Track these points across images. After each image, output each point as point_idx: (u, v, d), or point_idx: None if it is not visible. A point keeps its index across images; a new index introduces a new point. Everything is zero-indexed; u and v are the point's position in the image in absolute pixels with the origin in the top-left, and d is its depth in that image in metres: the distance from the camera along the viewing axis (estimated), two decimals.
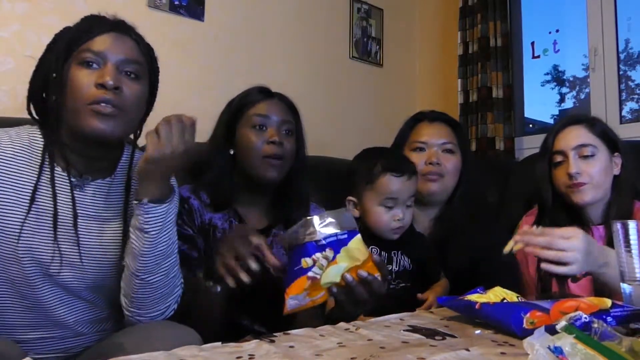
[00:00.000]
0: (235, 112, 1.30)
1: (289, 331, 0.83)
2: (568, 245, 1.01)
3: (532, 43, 2.58)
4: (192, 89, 2.05)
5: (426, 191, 1.54)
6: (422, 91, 2.93)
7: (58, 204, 0.95)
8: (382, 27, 2.78)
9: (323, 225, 0.95)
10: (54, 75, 0.94)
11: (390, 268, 1.31)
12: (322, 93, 2.50)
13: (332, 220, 0.96)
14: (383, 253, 1.32)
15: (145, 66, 1.01)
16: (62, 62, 0.95)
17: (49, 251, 0.94)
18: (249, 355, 0.68)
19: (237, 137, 1.28)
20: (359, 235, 0.98)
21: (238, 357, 0.68)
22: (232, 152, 1.29)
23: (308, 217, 0.96)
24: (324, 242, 0.94)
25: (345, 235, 0.96)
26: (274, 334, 0.81)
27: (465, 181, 1.60)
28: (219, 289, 1.03)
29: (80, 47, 0.95)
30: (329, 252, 0.93)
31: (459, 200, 1.59)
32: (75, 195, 0.97)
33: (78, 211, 0.97)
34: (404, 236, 1.35)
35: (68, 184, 0.97)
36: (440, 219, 1.60)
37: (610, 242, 1.10)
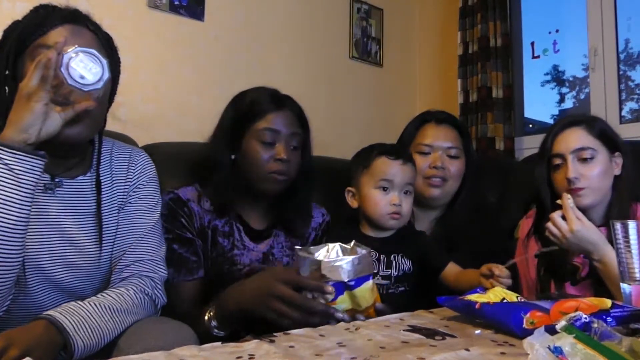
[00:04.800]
0: (243, 118, 1.26)
1: (289, 331, 0.83)
2: (563, 226, 1.19)
3: (532, 43, 2.58)
4: (192, 89, 2.05)
5: (428, 195, 1.54)
6: (422, 91, 2.93)
7: (45, 204, 0.94)
8: (382, 27, 2.78)
9: (333, 267, 0.91)
10: (7, 73, 0.90)
11: (389, 273, 1.30)
12: (322, 93, 2.50)
13: (347, 267, 0.92)
14: (382, 257, 1.30)
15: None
16: (14, 59, 0.90)
17: (46, 254, 0.94)
18: (249, 355, 0.68)
19: (243, 146, 1.24)
20: (370, 282, 0.95)
21: (238, 357, 0.67)
22: (233, 157, 1.27)
23: (320, 260, 0.92)
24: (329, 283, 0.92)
25: (353, 282, 0.93)
26: (274, 334, 0.81)
27: (468, 185, 1.59)
28: (221, 334, 1.02)
29: (34, 43, 0.90)
30: (329, 290, 0.91)
31: (461, 204, 1.58)
32: (50, 196, 0.95)
33: (62, 210, 0.96)
34: (404, 235, 1.34)
35: (41, 185, 0.94)
36: (441, 220, 1.60)
37: (611, 243, 1.10)
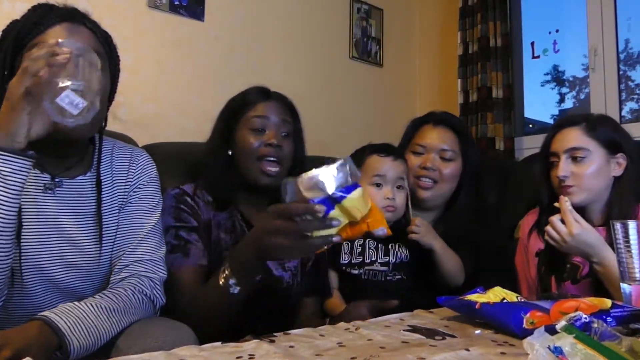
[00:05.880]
0: (234, 113, 1.29)
1: (289, 331, 0.83)
2: (562, 230, 1.19)
3: (532, 43, 2.58)
4: (192, 89, 2.05)
5: (419, 197, 1.54)
6: (422, 91, 2.93)
7: (45, 204, 0.94)
8: (382, 27, 2.78)
9: (312, 183, 0.84)
10: (6, 73, 0.90)
11: (387, 260, 1.35)
12: (322, 93, 2.50)
13: (326, 180, 0.84)
14: (380, 245, 1.36)
15: (104, 57, 0.96)
16: (12, 58, 0.90)
17: (45, 254, 0.94)
18: (249, 355, 0.68)
19: (235, 138, 1.26)
20: (359, 190, 0.87)
21: (238, 357, 0.68)
22: (230, 153, 1.27)
23: (289, 180, 0.87)
24: (312, 202, 0.85)
25: (339, 194, 0.85)
26: (274, 334, 0.81)
27: (465, 187, 1.58)
28: (237, 290, 0.96)
29: (32, 42, 0.89)
30: (318, 208, 0.84)
31: (460, 205, 1.58)
32: (50, 196, 0.95)
33: (61, 210, 0.95)
34: (402, 226, 1.39)
35: (41, 185, 0.94)
36: (441, 221, 1.60)
37: (610, 244, 1.10)
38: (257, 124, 1.24)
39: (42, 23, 0.90)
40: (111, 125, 1.08)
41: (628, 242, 0.88)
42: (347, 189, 0.86)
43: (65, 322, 0.81)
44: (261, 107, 1.27)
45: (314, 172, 0.85)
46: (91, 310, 0.87)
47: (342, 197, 0.85)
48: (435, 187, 1.54)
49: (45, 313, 0.82)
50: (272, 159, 1.22)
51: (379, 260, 1.35)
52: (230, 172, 1.27)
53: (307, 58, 2.45)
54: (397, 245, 1.38)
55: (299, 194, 0.85)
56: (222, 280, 0.97)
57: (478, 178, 1.65)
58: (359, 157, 1.40)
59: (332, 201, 0.85)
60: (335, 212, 0.85)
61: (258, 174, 1.23)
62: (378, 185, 1.36)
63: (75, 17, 0.94)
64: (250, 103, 1.28)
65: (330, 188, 0.84)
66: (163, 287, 1.05)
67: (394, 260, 1.35)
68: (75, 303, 0.87)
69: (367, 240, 1.36)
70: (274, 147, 1.22)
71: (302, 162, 1.34)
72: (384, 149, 1.40)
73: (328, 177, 0.84)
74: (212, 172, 1.27)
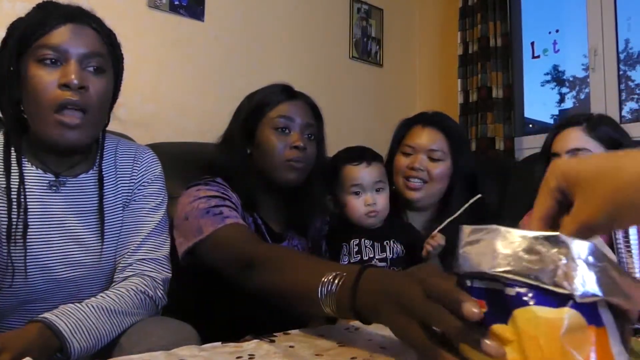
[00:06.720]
0: (256, 110, 1.23)
1: (289, 331, 0.83)
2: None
3: (532, 43, 2.58)
4: (192, 89, 2.05)
5: (409, 198, 1.53)
6: (422, 91, 2.93)
7: (50, 204, 0.94)
8: (382, 27, 2.78)
9: (478, 241, 0.46)
10: (12, 69, 0.89)
11: (384, 256, 1.35)
12: (322, 93, 2.47)
13: (504, 249, 0.44)
14: (376, 244, 1.36)
15: (108, 57, 0.95)
16: (16, 58, 0.89)
17: (50, 253, 0.94)
18: (249, 355, 0.68)
19: (257, 137, 1.21)
20: (570, 312, 0.40)
21: (238, 357, 0.67)
22: (249, 152, 1.22)
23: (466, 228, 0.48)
24: (469, 283, 0.47)
25: (514, 293, 0.43)
26: (274, 334, 0.81)
27: (458, 187, 1.57)
28: (323, 297, 0.72)
29: (37, 42, 0.88)
30: (468, 305, 0.45)
31: (455, 206, 1.57)
32: (54, 195, 0.95)
33: (66, 209, 0.95)
34: (394, 225, 1.41)
35: (46, 184, 0.95)
36: (436, 222, 1.59)
37: (611, 244, 1.10)
38: (281, 124, 1.19)
39: (47, 23, 0.89)
40: (111, 126, 1.08)
41: (628, 242, 0.88)
42: (537, 292, 0.42)
43: (66, 325, 0.81)
44: (286, 106, 1.21)
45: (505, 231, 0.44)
46: (92, 312, 0.86)
47: (520, 303, 0.42)
48: (424, 187, 1.53)
49: (46, 315, 0.82)
50: (297, 161, 1.19)
51: (376, 257, 1.35)
52: (250, 171, 1.22)
53: (307, 58, 2.45)
54: (392, 242, 1.38)
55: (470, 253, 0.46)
56: (328, 277, 0.70)
57: (474, 177, 1.63)
58: (334, 168, 1.39)
59: (505, 304, 0.43)
60: (501, 328, 0.43)
61: (283, 173, 1.19)
62: (357, 193, 1.35)
63: (81, 18, 0.93)
64: (273, 101, 1.22)
65: (496, 267, 0.43)
66: (166, 287, 1.04)
67: (392, 255, 1.36)
68: (76, 304, 0.87)
69: (362, 238, 1.35)
70: (299, 150, 1.18)
71: (323, 165, 1.31)
72: (356, 156, 1.38)
73: (521, 244, 0.43)
74: (236, 171, 1.20)
